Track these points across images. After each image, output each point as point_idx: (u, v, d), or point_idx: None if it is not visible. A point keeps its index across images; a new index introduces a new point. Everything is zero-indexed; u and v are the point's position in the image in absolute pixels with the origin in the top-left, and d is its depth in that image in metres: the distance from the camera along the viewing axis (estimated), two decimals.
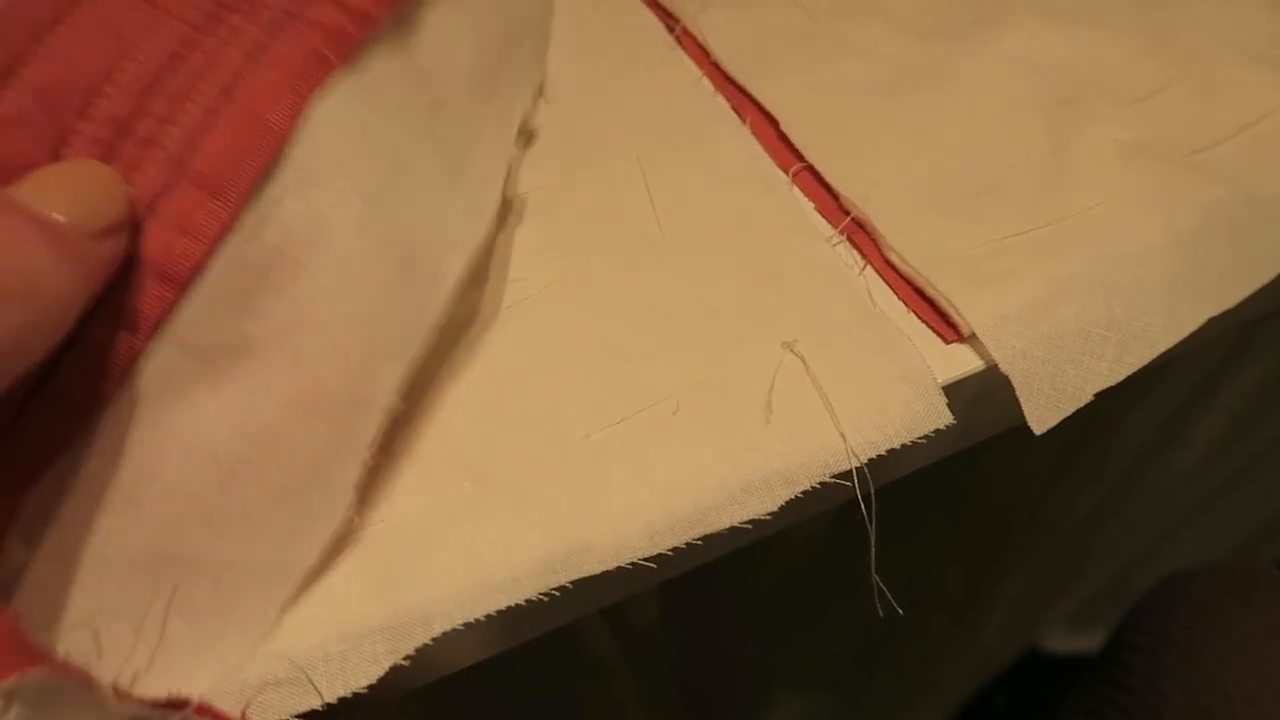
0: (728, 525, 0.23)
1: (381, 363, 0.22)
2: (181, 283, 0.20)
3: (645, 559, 0.22)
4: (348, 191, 0.22)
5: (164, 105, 0.20)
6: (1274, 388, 0.52)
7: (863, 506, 0.24)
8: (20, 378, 0.17)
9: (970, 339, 0.26)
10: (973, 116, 0.32)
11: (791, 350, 0.25)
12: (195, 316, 0.20)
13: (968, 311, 0.26)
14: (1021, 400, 0.25)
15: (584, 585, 0.22)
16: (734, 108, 0.32)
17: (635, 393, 0.25)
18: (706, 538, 0.23)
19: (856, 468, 0.23)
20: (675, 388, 0.25)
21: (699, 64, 0.34)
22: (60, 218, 0.18)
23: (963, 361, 0.26)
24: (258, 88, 0.21)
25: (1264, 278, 0.27)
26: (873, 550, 0.24)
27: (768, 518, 0.23)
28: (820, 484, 0.23)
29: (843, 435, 0.24)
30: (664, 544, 0.23)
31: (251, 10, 0.22)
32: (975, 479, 0.47)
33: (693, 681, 0.52)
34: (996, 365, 0.25)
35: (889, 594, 0.25)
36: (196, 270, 0.20)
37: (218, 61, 0.21)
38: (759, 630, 0.51)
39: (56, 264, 0.17)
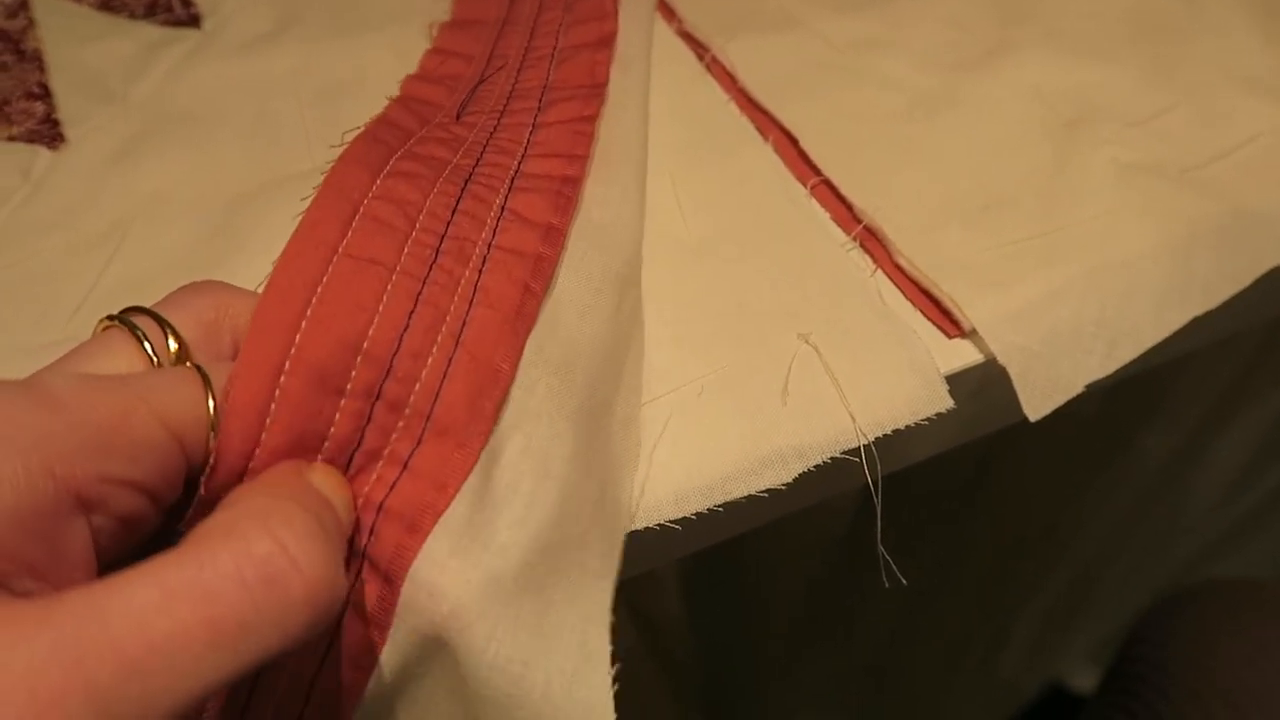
0: (746, 493, 0.25)
1: (594, 581, 0.22)
2: (425, 533, 0.21)
3: (671, 521, 0.25)
4: (560, 423, 0.23)
5: (407, 365, 0.21)
6: None
7: (870, 482, 0.26)
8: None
9: (971, 335, 0.28)
10: (982, 139, 0.34)
11: (807, 341, 0.28)
12: (436, 555, 0.21)
13: (969, 309, 0.28)
14: (1018, 389, 0.27)
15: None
16: (758, 128, 0.35)
17: (666, 377, 0.27)
18: (728, 505, 0.25)
19: (864, 445, 0.26)
20: (701, 373, 0.27)
21: (726, 89, 0.37)
22: (345, 520, 0.20)
23: (965, 355, 0.28)
24: (482, 332, 0.22)
25: (1245, 281, 0.30)
26: (878, 524, 0.26)
27: (783, 488, 0.25)
28: (831, 459, 0.26)
29: (852, 416, 0.26)
30: (689, 508, 0.25)
31: (458, 250, 0.23)
32: (991, 494, 0.49)
33: (714, 696, 0.54)
34: (995, 359, 0.27)
35: (901, 580, 0.27)
36: (437, 519, 0.21)
37: (443, 310, 0.22)
38: (779, 638, 0.52)
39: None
